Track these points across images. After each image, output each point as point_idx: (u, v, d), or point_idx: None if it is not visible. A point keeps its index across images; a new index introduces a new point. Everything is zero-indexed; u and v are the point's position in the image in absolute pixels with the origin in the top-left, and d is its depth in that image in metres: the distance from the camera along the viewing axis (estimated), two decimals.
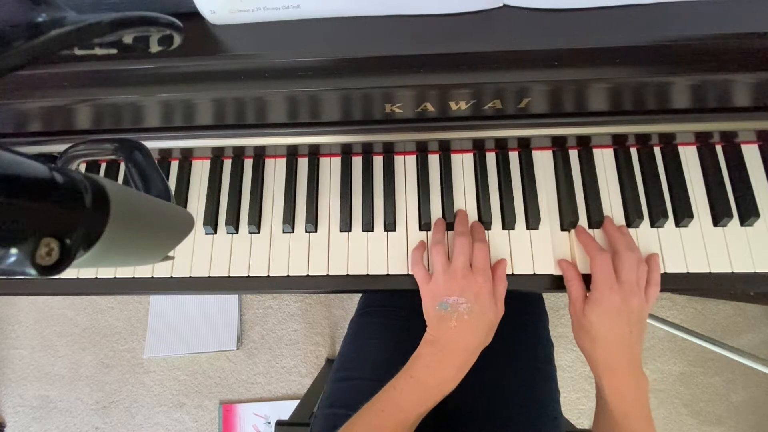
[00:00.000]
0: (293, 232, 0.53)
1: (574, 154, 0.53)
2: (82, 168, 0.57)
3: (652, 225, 0.50)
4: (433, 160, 0.54)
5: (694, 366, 1.19)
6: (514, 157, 0.53)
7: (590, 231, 0.50)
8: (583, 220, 0.51)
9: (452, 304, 0.44)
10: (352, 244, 0.52)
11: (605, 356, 0.43)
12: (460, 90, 0.41)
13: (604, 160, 0.52)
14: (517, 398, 0.56)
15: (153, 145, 0.51)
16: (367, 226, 0.52)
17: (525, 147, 0.53)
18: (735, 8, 0.36)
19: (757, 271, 0.48)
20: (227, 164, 0.56)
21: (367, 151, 0.54)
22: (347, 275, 0.51)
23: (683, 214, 0.49)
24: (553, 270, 0.49)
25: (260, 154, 0.55)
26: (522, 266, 0.49)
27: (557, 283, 0.49)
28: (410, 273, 0.50)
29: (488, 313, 0.44)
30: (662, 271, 0.48)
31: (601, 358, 0.44)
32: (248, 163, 0.56)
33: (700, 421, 1.16)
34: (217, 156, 0.56)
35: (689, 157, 0.52)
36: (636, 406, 0.42)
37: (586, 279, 0.47)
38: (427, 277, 0.47)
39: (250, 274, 0.51)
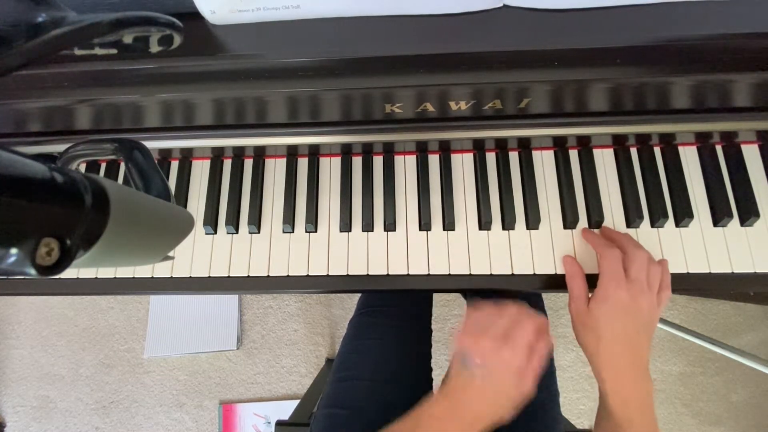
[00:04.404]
0: (293, 232, 0.53)
1: (574, 154, 0.53)
2: (82, 168, 0.57)
3: (652, 225, 0.50)
4: (433, 160, 0.54)
5: (694, 366, 1.19)
6: (514, 157, 0.53)
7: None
8: (583, 220, 0.51)
9: (471, 365, 0.40)
10: (352, 244, 0.52)
11: (610, 356, 0.41)
12: (460, 90, 0.41)
13: (604, 160, 0.52)
14: None
15: (153, 145, 0.51)
16: (367, 226, 0.52)
17: (525, 147, 0.53)
18: (735, 8, 0.36)
19: (757, 271, 0.48)
20: (227, 164, 0.56)
21: (367, 151, 0.54)
22: (347, 275, 0.51)
23: (683, 214, 0.49)
24: (553, 270, 0.49)
25: (260, 154, 0.55)
26: (522, 266, 0.49)
27: (557, 283, 0.49)
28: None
29: (509, 391, 0.40)
30: None
31: (605, 358, 0.42)
32: (248, 163, 0.56)
33: (700, 421, 1.16)
34: (217, 156, 0.56)
35: (689, 157, 0.52)
36: (641, 413, 0.41)
37: (587, 280, 0.47)
38: (464, 326, 0.44)
39: (250, 274, 0.51)
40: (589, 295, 0.45)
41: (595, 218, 0.50)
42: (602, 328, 0.41)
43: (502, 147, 0.53)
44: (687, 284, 0.48)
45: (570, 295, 0.46)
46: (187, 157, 0.56)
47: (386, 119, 0.46)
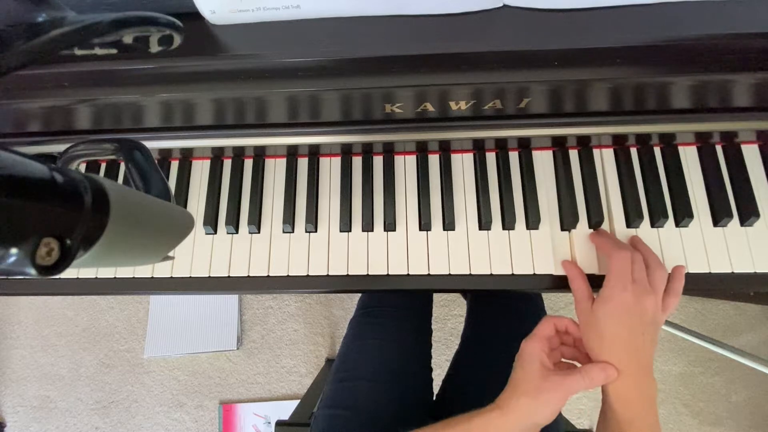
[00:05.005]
0: (293, 232, 0.53)
1: (574, 154, 0.53)
2: (82, 168, 0.57)
3: (652, 225, 0.50)
4: (433, 160, 0.54)
5: (694, 366, 1.19)
6: (514, 157, 0.53)
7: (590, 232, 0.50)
8: (583, 221, 0.51)
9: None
10: (352, 244, 0.52)
11: (611, 356, 0.41)
12: (460, 90, 0.41)
13: (604, 160, 0.52)
14: None
15: (153, 145, 0.51)
16: (367, 226, 0.52)
17: (525, 147, 0.53)
18: (735, 8, 0.36)
19: (757, 271, 0.48)
20: (227, 164, 0.56)
21: (367, 151, 0.54)
22: (347, 275, 0.51)
23: (683, 214, 0.49)
24: (553, 270, 0.49)
25: (260, 154, 0.55)
26: (522, 266, 0.49)
27: (557, 283, 0.49)
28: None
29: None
30: None
31: (608, 358, 0.41)
32: (248, 163, 0.56)
33: (700, 421, 1.16)
34: (217, 156, 0.56)
35: (689, 157, 0.52)
36: (643, 414, 0.41)
37: (591, 280, 0.47)
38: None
39: (250, 274, 0.51)
40: (595, 296, 0.45)
41: (595, 218, 0.50)
42: (604, 329, 0.42)
43: (502, 147, 0.53)
44: (687, 284, 0.48)
45: (574, 298, 0.46)
46: (187, 157, 0.56)
47: (386, 119, 0.46)
